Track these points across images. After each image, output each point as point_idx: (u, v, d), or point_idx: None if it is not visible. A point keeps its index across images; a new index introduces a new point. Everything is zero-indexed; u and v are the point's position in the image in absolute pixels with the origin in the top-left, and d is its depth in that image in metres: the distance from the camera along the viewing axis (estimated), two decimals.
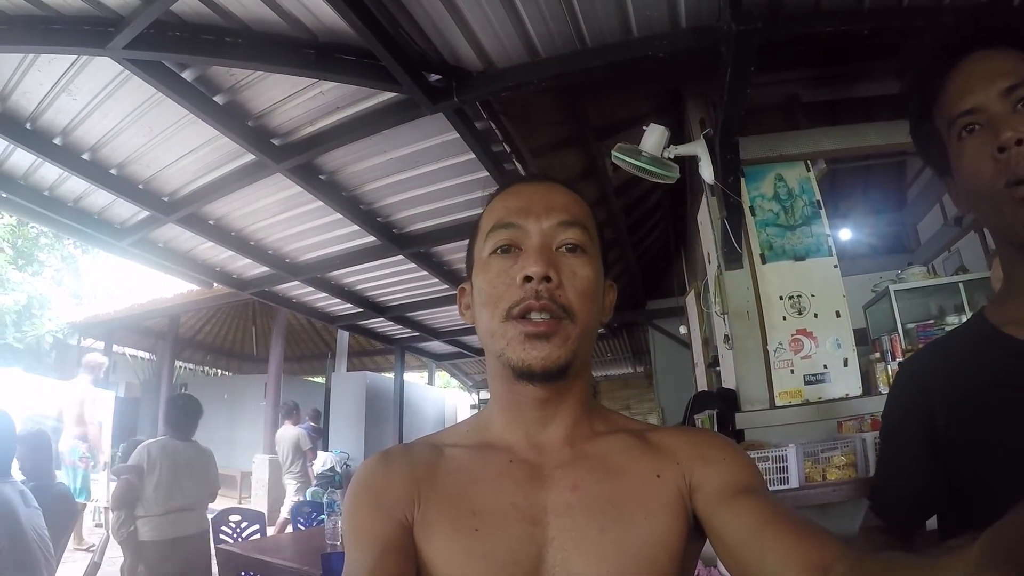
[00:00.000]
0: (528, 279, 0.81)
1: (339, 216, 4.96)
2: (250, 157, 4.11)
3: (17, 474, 3.07)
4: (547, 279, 0.81)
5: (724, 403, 3.36)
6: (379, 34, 2.77)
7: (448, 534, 0.80)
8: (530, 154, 4.07)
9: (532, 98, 3.70)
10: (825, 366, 3.26)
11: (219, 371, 16.78)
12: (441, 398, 15.53)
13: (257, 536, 4.53)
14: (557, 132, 4.40)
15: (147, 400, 13.05)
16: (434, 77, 3.22)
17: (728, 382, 3.68)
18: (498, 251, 0.87)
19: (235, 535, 4.47)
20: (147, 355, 16.10)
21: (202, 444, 4.27)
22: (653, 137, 3.07)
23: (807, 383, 3.26)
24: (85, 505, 4.20)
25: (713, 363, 4.41)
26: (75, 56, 3.19)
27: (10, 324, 13.23)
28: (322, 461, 9.14)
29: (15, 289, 13.91)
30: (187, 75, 3.31)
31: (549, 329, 0.80)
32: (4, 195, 4.71)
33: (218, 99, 3.53)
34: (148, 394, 13.75)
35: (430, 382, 16.32)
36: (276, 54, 3.09)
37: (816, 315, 3.34)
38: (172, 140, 4.03)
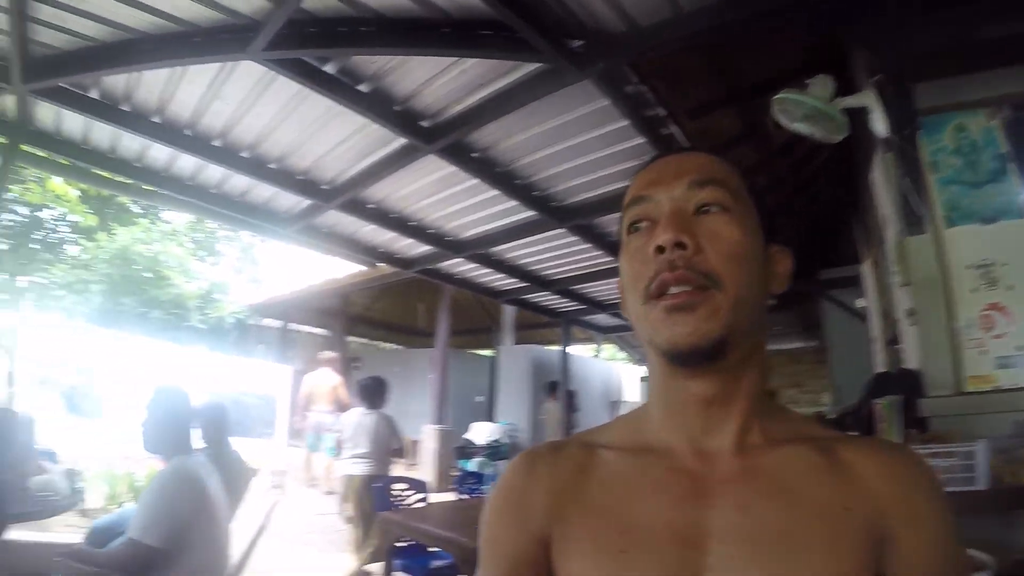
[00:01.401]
0: (660, 250, 0.72)
1: (496, 192, 4.91)
2: (401, 141, 4.14)
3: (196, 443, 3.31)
4: (680, 246, 0.71)
5: (908, 387, 2.96)
6: (512, 4, 2.63)
7: (590, 554, 0.72)
8: (685, 116, 3.78)
9: (681, 58, 3.39)
10: (1021, 347, 2.75)
11: (390, 345, 17.71)
12: (608, 371, 15.38)
13: (420, 504, 4.72)
14: (710, 92, 4.04)
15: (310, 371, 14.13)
16: (576, 43, 3.03)
17: (910, 362, 3.24)
18: (633, 228, 0.78)
19: (399, 502, 4.68)
20: (322, 331, 17.25)
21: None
22: (819, 89, 2.72)
23: (1000, 367, 2.77)
24: (256, 471, 4.68)
25: (893, 340, 3.93)
26: (220, 64, 3.30)
27: (194, 309, 14.64)
28: (488, 432, 9.41)
29: (197, 277, 15.35)
30: (329, 68, 3.33)
31: (691, 299, 0.70)
32: (176, 196, 5.12)
33: (362, 88, 3.54)
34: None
35: (597, 355, 16.21)
36: (412, 37, 3.04)
37: (1011, 287, 2.83)
38: (324, 131, 4.13)
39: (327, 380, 9.08)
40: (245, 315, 15.98)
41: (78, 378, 7.77)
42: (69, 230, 19.33)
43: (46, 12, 3.03)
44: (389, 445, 5.62)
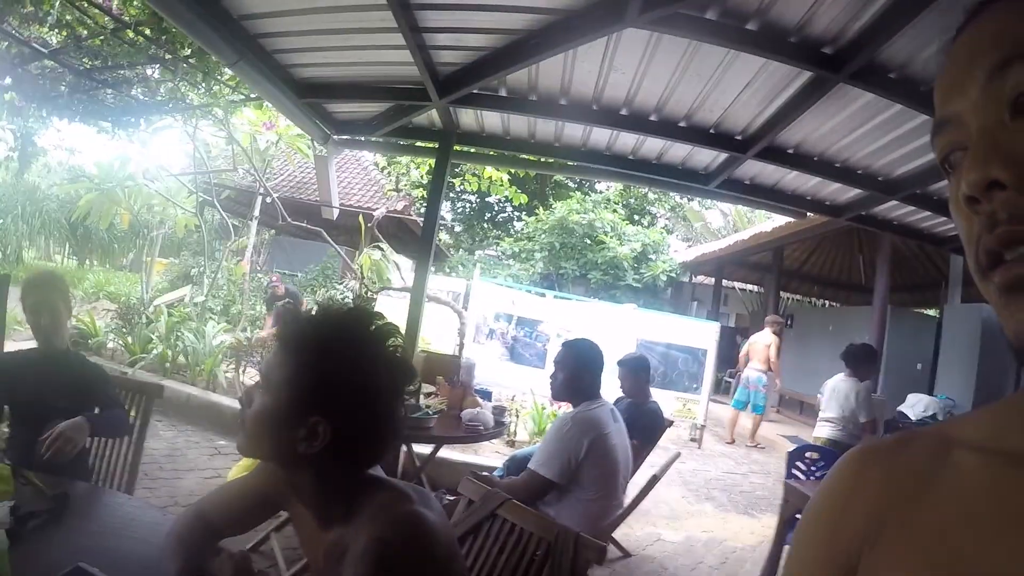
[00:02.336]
0: (972, 201, 0.48)
1: (924, 117, 4.22)
2: (806, 75, 3.79)
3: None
4: (996, 185, 0.46)
5: None
6: None
7: None
8: None
9: None
10: None
11: (825, 302, 16.65)
12: None
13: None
14: None
15: (756, 329, 13.82)
16: None
17: None
18: (947, 165, 0.54)
19: (808, 472, 4.49)
20: (754, 288, 16.99)
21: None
22: None
23: None
24: (672, 423, 4.94)
25: None
26: (604, 38, 3.42)
27: (629, 269, 15.55)
28: (924, 406, 8.29)
29: (631, 240, 16.23)
30: (710, 15, 3.21)
31: None
32: (595, 167, 5.57)
33: (750, 26, 3.33)
34: (756, 323, 14.53)
35: None
36: None
37: None
38: (723, 81, 4.00)
39: (763, 339, 9.39)
40: (678, 273, 16.53)
41: (519, 332, 9.05)
42: (512, 209, 22.81)
43: (441, 39, 3.64)
44: (856, 415, 5.44)
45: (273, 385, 1.21)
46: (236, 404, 3.75)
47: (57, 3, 4.75)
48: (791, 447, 4.85)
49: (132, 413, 2.85)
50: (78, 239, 21.42)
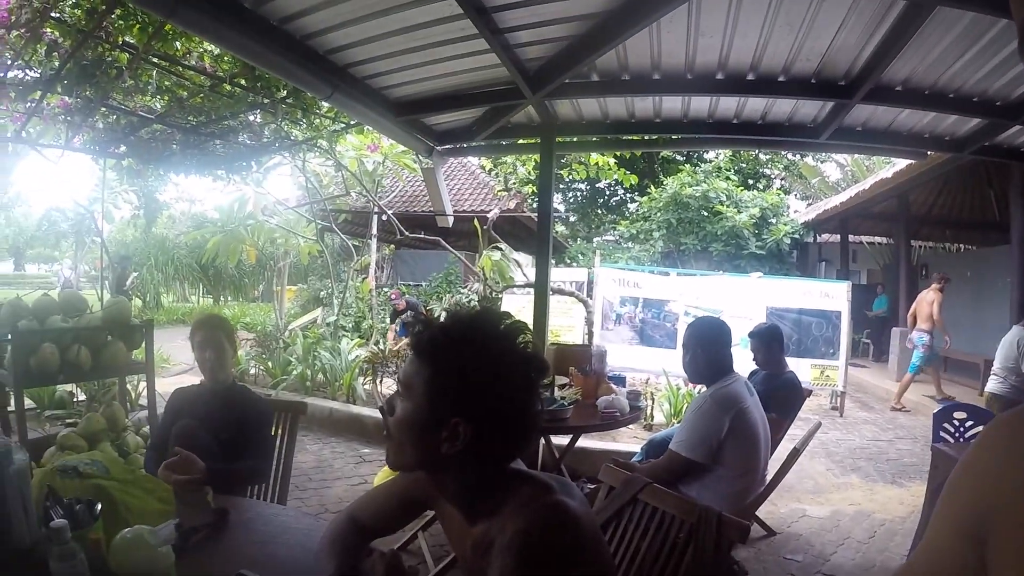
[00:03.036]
0: None
1: None
2: (899, 3, 3.56)
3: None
4: None
5: None
6: None
7: None
8: None
9: None
10: None
11: (960, 246, 15.52)
12: None
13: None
14: None
15: (890, 283, 13.03)
16: None
17: None
18: None
19: (957, 434, 4.25)
20: (883, 240, 16.05)
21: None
22: None
23: None
24: (811, 392, 4.85)
25: None
26: (684, 4, 3.36)
27: (750, 236, 15.07)
28: None
29: (748, 206, 15.73)
30: None
31: None
32: (700, 136, 5.56)
33: None
34: (889, 277, 13.71)
35: None
36: None
37: None
38: (816, 25, 3.82)
39: (927, 297, 9.27)
40: (801, 234, 15.89)
41: (646, 314, 8.94)
42: (623, 191, 22.61)
43: (523, 36, 3.72)
44: (1019, 366, 5.22)
45: (412, 392, 1.28)
46: (377, 414, 3.99)
47: (154, 72, 5.16)
48: (936, 409, 4.57)
49: (279, 430, 3.06)
50: (210, 279, 23.70)
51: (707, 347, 3.24)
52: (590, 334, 7.49)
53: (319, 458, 5.89)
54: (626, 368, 7.26)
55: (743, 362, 3.94)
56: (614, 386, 4.48)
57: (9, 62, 4.93)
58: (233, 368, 3.06)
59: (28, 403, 5.84)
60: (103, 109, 5.81)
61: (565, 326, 9.88)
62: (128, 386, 6.01)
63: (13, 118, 5.91)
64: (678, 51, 4.05)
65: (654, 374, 8.25)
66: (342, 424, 6.78)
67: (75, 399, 6.16)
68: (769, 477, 3.47)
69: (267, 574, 1.55)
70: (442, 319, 1.34)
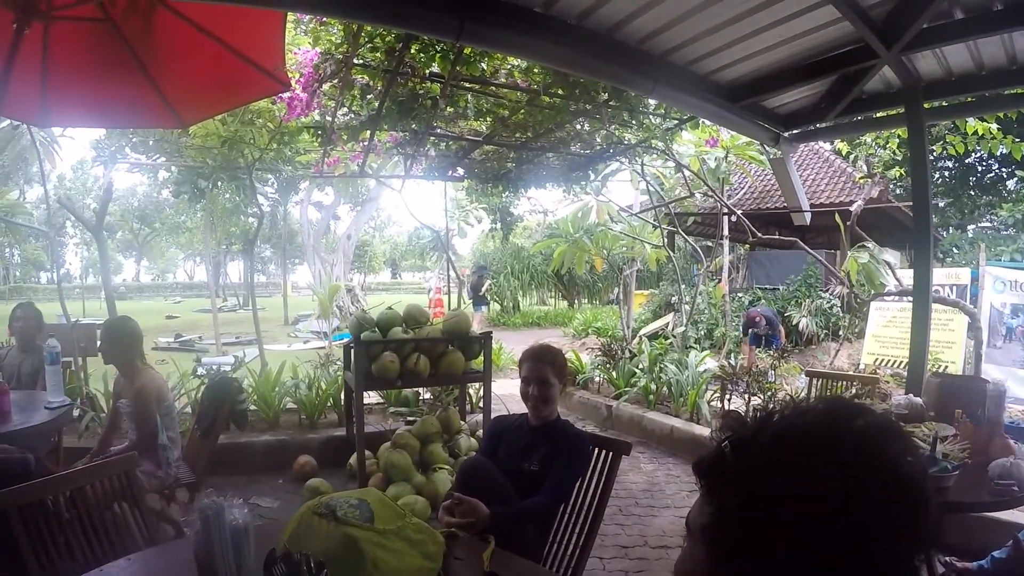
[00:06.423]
0: None
1: None
2: None
3: None
4: None
5: None
6: None
7: None
8: None
9: None
10: None
11: None
12: None
13: None
14: None
15: None
16: None
17: None
18: None
19: None
20: None
21: None
22: None
23: None
24: None
25: None
26: None
27: None
28: None
29: None
30: None
31: None
32: None
33: None
34: None
35: None
36: None
37: None
38: None
39: None
40: None
41: None
42: (998, 165, 18.35)
43: None
44: None
45: (695, 531, 0.83)
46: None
47: (469, 96, 5.41)
48: None
49: (595, 471, 2.87)
50: (564, 284, 26.16)
51: None
52: (977, 357, 5.97)
53: (651, 480, 5.63)
54: (1018, 401, 5.73)
55: None
56: (1013, 442, 3.10)
57: (335, 108, 5.63)
58: (556, 403, 2.97)
59: (376, 399, 6.63)
60: (432, 138, 6.33)
61: (942, 343, 8.17)
62: (470, 390, 6.42)
63: (352, 157, 6.84)
64: None
65: None
66: (682, 444, 6.44)
67: (420, 398, 6.67)
68: None
69: None
70: (767, 413, 0.81)
